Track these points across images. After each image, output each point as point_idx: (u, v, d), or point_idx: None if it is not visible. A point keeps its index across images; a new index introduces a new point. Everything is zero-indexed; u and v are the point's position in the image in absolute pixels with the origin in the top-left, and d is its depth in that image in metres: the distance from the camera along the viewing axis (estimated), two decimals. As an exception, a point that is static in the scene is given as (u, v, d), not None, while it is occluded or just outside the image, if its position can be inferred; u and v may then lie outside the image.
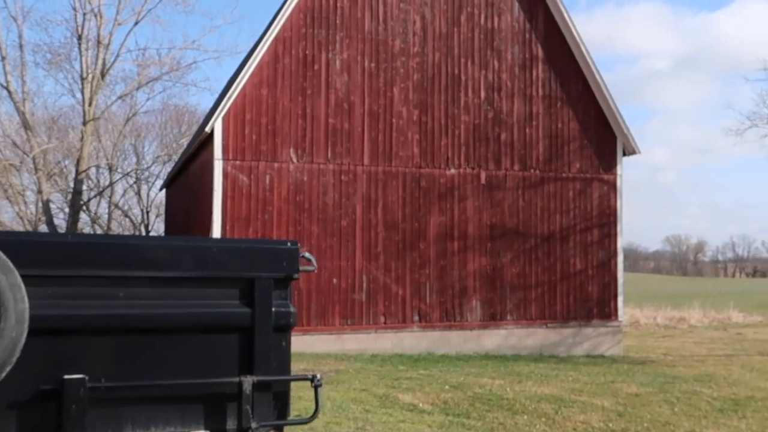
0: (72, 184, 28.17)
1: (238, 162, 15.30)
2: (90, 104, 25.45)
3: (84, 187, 33.76)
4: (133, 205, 36.92)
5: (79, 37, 25.43)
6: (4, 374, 2.90)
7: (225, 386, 3.44)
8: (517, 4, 17.38)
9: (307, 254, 3.77)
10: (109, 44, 25.78)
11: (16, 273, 2.95)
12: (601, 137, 17.90)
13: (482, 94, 17.08)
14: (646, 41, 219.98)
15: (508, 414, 9.68)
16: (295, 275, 3.64)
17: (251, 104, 15.43)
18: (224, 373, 3.43)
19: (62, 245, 3.30)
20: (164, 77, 29.60)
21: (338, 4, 16.10)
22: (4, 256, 2.94)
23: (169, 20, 44.86)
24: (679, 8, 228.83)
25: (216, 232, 15.04)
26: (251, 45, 16.44)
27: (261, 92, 15.49)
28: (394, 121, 16.41)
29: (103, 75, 25.82)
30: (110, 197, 34.13)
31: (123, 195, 36.01)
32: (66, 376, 3.12)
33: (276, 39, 15.57)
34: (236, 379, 3.44)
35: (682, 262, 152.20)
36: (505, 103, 17.25)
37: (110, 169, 32.86)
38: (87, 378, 3.14)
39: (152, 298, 3.34)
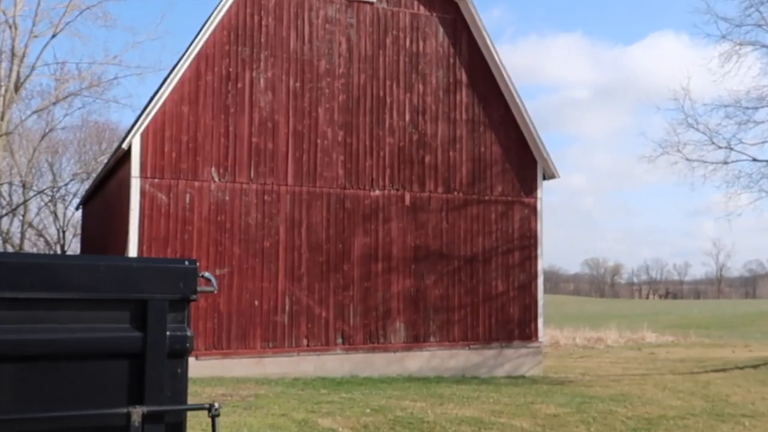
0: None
1: (156, 180, 14.90)
2: (2, 118, 24.41)
3: (-4, 205, 32.34)
4: (49, 224, 35.57)
5: (-8, 49, 24.44)
6: None
7: (111, 418, 3.17)
8: (441, 29, 17.63)
9: (206, 274, 3.59)
10: (24, 57, 24.85)
11: None
12: (522, 161, 18.26)
13: (407, 117, 17.20)
14: (566, 71, 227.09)
15: (428, 437, 9.61)
16: (193, 296, 3.42)
17: (171, 121, 15.09)
18: (111, 403, 3.16)
19: None
20: (84, 92, 28.76)
21: (263, 23, 15.98)
22: None
23: (89, 34, 43.51)
24: (597, 41, 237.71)
25: (132, 252, 14.56)
26: (175, 61, 16.10)
27: (182, 109, 15.17)
28: (319, 141, 16.33)
29: (17, 88, 24.84)
30: (23, 216, 32.74)
31: (38, 214, 34.65)
32: None
33: (198, 55, 15.30)
34: (124, 410, 3.17)
35: (600, 285, 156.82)
36: (429, 126, 17.41)
37: (24, 187, 31.55)
38: None
39: (29, 321, 3.06)
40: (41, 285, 3.10)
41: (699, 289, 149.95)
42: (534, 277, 18.32)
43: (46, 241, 33.57)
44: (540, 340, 18.39)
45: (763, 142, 21.04)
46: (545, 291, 18.96)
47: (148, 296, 3.25)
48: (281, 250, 15.84)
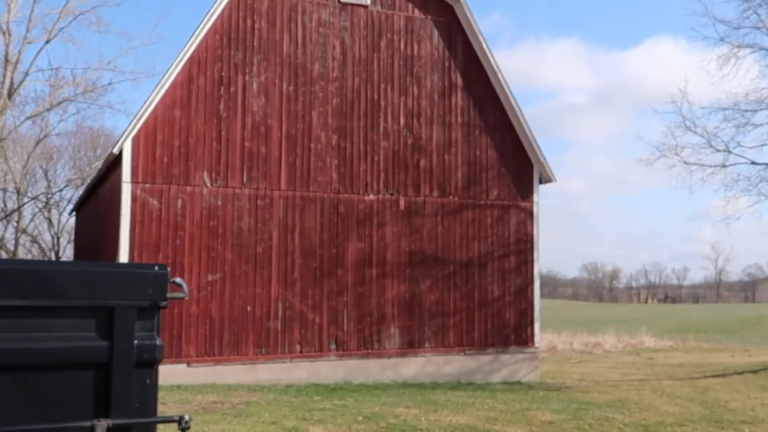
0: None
1: (148, 185, 14.74)
2: (-5, 124, 24.26)
3: (-10, 211, 32.16)
4: (44, 230, 35.39)
5: (-15, 54, 24.29)
6: None
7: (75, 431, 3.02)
8: (436, 32, 17.50)
9: (177, 279, 3.43)
10: (17, 63, 24.71)
11: None
12: (518, 165, 18.11)
13: (402, 121, 17.06)
14: (563, 77, 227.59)
15: (421, 445, 9.43)
16: (163, 303, 3.26)
17: (163, 126, 14.94)
18: (74, 416, 3.00)
19: None
20: (78, 98, 28.61)
21: (256, 26, 15.84)
22: None
23: (83, 40, 43.52)
24: (594, 46, 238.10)
25: (123, 258, 14.39)
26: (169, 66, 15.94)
27: (174, 113, 15.03)
28: (312, 145, 16.18)
29: (10, 95, 24.68)
30: (18, 222, 32.55)
31: (32, 220, 34.46)
32: None
33: (191, 59, 15.16)
34: (88, 424, 3.01)
35: (598, 289, 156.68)
36: (424, 129, 17.27)
37: (18, 193, 31.36)
38: None
39: None
40: (4, 292, 2.94)
41: (698, 294, 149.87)
42: (530, 281, 18.16)
43: (41, 248, 33.38)
44: (536, 345, 18.22)
45: (762, 145, 20.91)
46: (543, 296, 18.81)
47: (115, 303, 3.10)
48: (274, 255, 15.67)
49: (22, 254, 32.77)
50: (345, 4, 16.65)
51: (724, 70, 20.86)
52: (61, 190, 33.18)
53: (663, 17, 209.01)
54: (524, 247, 18.16)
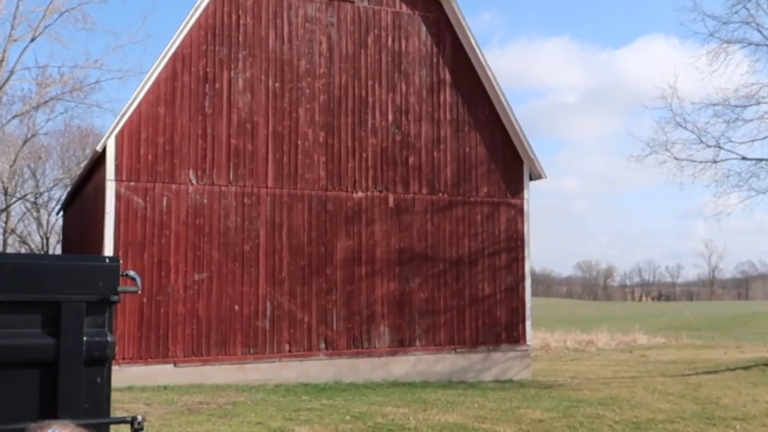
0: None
1: (132, 183, 14.53)
2: (-19, 123, 24.00)
3: (-23, 212, 31.85)
4: (33, 231, 35.11)
5: (-31, 53, 24.02)
6: None
7: None
8: (424, 28, 17.34)
9: (131, 272, 3.24)
10: (2, 61, 24.43)
11: None
12: (508, 162, 17.96)
13: (390, 117, 16.89)
14: (555, 75, 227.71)
15: (407, 445, 9.27)
16: (114, 297, 3.06)
17: (147, 123, 14.73)
18: (18, 417, 2.81)
19: None
20: (66, 97, 28.35)
21: (241, 22, 15.64)
22: None
23: (69, 38, 43.13)
24: (586, 44, 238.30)
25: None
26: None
27: (158, 110, 14.82)
28: (299, 142, 16.00)
29: (-5, 93, 24.44)
30: (6, 222, 32.28)
31: (20, 219, 34.18)
32: None
33: (174, 55, 14.96)
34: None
35: (593, 287, 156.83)
36: (413, 126, 17.10)
37: (6, 193, 31.08)
38: None
39: None
40: None
41: (692, 291, 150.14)
42: (521, 279, 18.01)
43: (30, 248, 33.10)
44: (528, 343, 18.08)
45: (752, 141, 20.80)
46: (538, 294, 18.77)
47: (62, 298, 2.90)
48: (261, 253, 15.48)
49: (10, 255, 32.41)
50: (332, 0, 16.47)
51: (713, 66, 20.75)
52: (49, 190, 32.96)
53: (655, 16, 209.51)
54: (515, 244, 18.01)
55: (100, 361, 3.03)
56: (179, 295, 14.71)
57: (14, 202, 31.76)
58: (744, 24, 20.40)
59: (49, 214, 31.38)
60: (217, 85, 15.34)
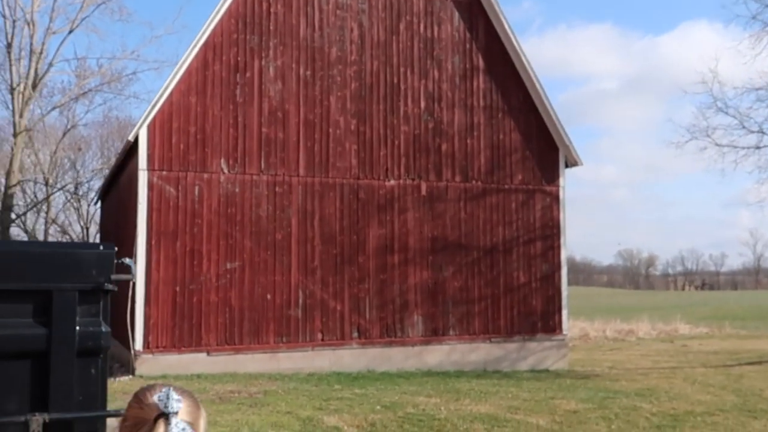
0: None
1: (164, 172, 14.59)
2: (21, 116, 24.38)
3: (21, 202, 32.49)
4: (74, 221, 35.70)
5: (9, 46, 24.38)
6: None
7: (9, 428, 2.70)
8: (457, 14, 17.06)
9: (126, 260, 3.12)
10: (41, 53, 24.79)
11: None
12: (543, 149, 17.63)
13: (422, 104, 16.68)
14: (596, 63, 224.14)
15: (436, 435, 9.14)
16: (109, 286, 2.94)
17: (179, 112, 14.75)
18: (7, 410, 2.71)
19: None
20: (104, 89, 28.69)
21: (272, 10, 15.56)
22: None
23: (106, 30, 43.63)
24: (627, 31, 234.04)
25: (141, 246, 14.28)
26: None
27: (189, 100, 14.83)
28: (330, 130, 15.89)
29: (34, 85, 24.79)
30: (47, 212, 32.86)
31: (62, 210, 34.78)
32: None
33: (206, 45, 14.94)
34: (21, 419, 2.69)
35: (634, 276, 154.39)
36: (445, 113, 16.87)
37: (47, 184, 31.62)
38: None
39: None
40: None
41: (736, 280, 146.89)
42: (557, 267, 17.70)
43: (71, 238, 33.68)
44: (565, 332, 17.78)
45: (798, 125, 20.08)
46: (578, 283, 18.53)
47: (53, 286, 2.79)
48: (293, 242, 15.44)
49: (52, 245, 32.97)
50: (363, -14, 16.28)
51: (756, 50, 20.11)
52: (89, 181, 33.43)
53: (699, 0, 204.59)
54: (550, 232, 17.70)
55: (94, 351, 2.91)
56: (212, 284, 14.76)
57: (54, 193, 32.30)
58: (789, 5, 19.67)
59: (89, 205, 31.88)
60: (248, 74, 15.30)
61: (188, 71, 14.81)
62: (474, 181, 17.02)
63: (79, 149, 33.23)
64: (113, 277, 2.93)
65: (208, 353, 14.63)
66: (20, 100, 24.20)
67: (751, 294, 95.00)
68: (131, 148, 15.28)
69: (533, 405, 11.48)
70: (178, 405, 1.73)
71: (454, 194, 16.84)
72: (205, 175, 14.87)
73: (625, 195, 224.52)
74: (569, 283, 18.32)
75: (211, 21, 14.88)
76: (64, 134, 31.44)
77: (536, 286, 17.49)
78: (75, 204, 33.76)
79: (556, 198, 17.75)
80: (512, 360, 17.10)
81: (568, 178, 18.02)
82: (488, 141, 17.19)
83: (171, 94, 14.66)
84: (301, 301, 15.40)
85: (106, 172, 32.54)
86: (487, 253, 17.06)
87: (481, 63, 17.23)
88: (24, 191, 32.38)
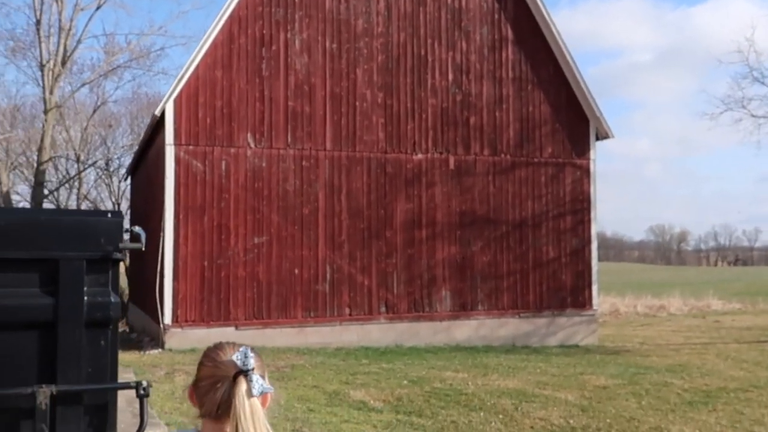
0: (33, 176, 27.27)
1: (191, 147, 14.58)
2: (51, 92, 24.55)
3: (53, 179, 32.84)
4: (105, 197, 36.03)
5: (38, 23, 24.49)
6: None
7: (12, 400, 2.61)
8: (486, -17, 16.70)
9: (136, 228, 3.02)
10: (70, 30, 24.86)
11: None
12: (573, 121, 17.31)
13: (450, 77, 16.44)
14: (628, 35, 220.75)
15: (463, 411, 9.08)
16: (117, 255, 2.84)
17: (205, 86, 14.70)
18: (14, 382, 2.64)
19: None
20: (132, 65, 28.75)
21: (297, -18, 15.37)
22: None
23: (133, 5, 43.66)
24: (660, 2, 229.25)
25: (168, 221, 14.33)
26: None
27: (215, 74, 14.77)
28: (357, 104, 15.74)
29: (64, 62, 24.91)
30: (79, 188, 33.20)
31: (93, 186, 35.10)
32: None
33: (231, 18, 14.83)
34: (28, 390, 2.62)
35: (666, 252, 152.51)
36: (473, 85, 16.61)
37: (78, 160, 31.90)
38: None
39: None
40: None
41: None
42: (587, 242, 17.45)
43: (102, 214, 33.96)
44: (595, 308, 17.57)
45: (839, 95, 19.47)
46: (609, 259, 18.25)
47: (59, 255, 2.70)
48: (321, 217, 15.39)
49: (84, 221, 33.25)
50: (389, -44, 16.00)
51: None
52: (119, 157, 33.65)
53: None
54: (581, 206, 17.43)
55: (103, 322, 2.83)
56: (239, 259, 14.78)
57: (85, 169, 32.59)
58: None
59: (120, 181, 32.13)
60: (273, 47, 15.17)
61: (214, 45, 14.72)
62: (503, 155, 16.79)
63: (110, 126, 33.43)
64: (122, 245, 2.84)
65: (236, 327, 14.69)
66: (50, 77, 24.35)
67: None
68: (158, 124, 15.29)
69: (562, 380, 11.36)
70: (253, 362, 1.85)
71: (483, 168, 16.63)
72: (232, 150, 14.84)
73: (657, 169, 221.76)
74: (599, 259, 18.06)
75: (237, -6, 14.74)
76: (95, 111, 31.63)
77: (566, 261, 17.28)
78: (106, 180, 34.05)
79: (586, 171, 17.45)
80: (541, 335, 16.96)
81: (599, 153, 17.73)
82: (517, 114, 16.91)
83: (197, 68, 14.60)
84: (328, 275, 15.38)
85: (136, 148, 32.78)
86: (516, 228, 16.86)
87: (510, 34, 16.91)
88: (56, 167, 32.71)
